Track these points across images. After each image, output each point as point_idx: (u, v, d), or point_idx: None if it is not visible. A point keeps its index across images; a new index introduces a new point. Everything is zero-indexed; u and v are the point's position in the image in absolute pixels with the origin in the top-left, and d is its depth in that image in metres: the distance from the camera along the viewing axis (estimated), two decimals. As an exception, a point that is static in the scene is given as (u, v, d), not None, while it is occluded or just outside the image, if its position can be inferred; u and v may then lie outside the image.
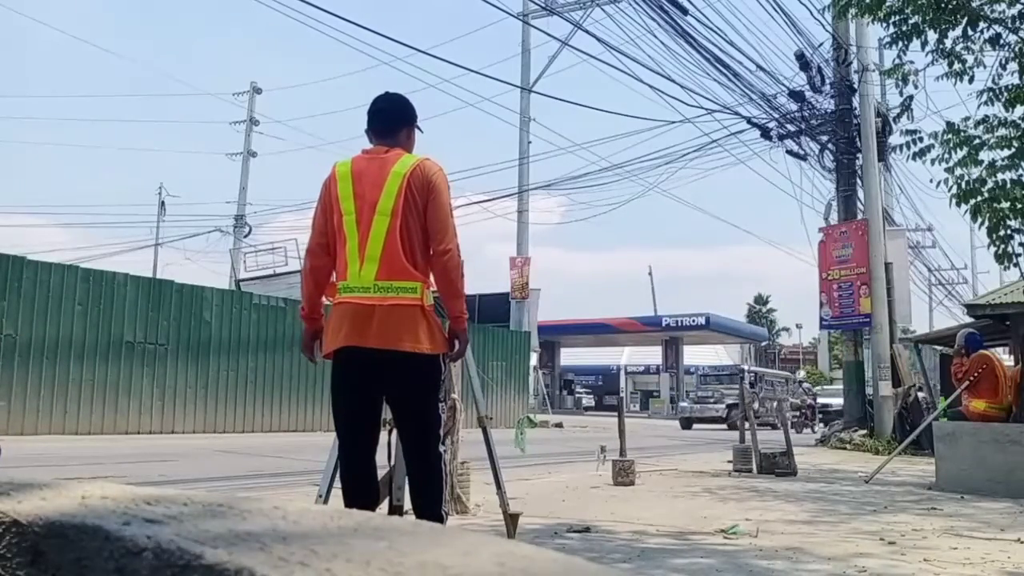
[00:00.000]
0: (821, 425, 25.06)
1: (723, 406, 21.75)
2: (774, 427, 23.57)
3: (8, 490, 0.73)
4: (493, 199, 22.51)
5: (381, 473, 3.16)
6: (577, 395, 38.51)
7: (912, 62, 6.15)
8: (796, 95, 12.83)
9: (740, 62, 12.52)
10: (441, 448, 2.78)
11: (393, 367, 2.65)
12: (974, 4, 5.78)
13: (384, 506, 3.33)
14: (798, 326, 55.92)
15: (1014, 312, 9.48)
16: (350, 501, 2.71)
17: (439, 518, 2.71)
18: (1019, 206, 5.78)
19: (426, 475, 2.73)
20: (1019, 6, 5.78)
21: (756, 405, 21.97)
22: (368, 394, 2.75)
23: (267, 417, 13.72)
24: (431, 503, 2.69)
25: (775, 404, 23.47)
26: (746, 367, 25.27)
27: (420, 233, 2.66)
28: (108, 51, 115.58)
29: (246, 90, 29.09)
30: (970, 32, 5.85)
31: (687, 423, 22.10)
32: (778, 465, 7.03)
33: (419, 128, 2.95)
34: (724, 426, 21.26)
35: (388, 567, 0.51)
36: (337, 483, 3.04)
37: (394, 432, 3.33)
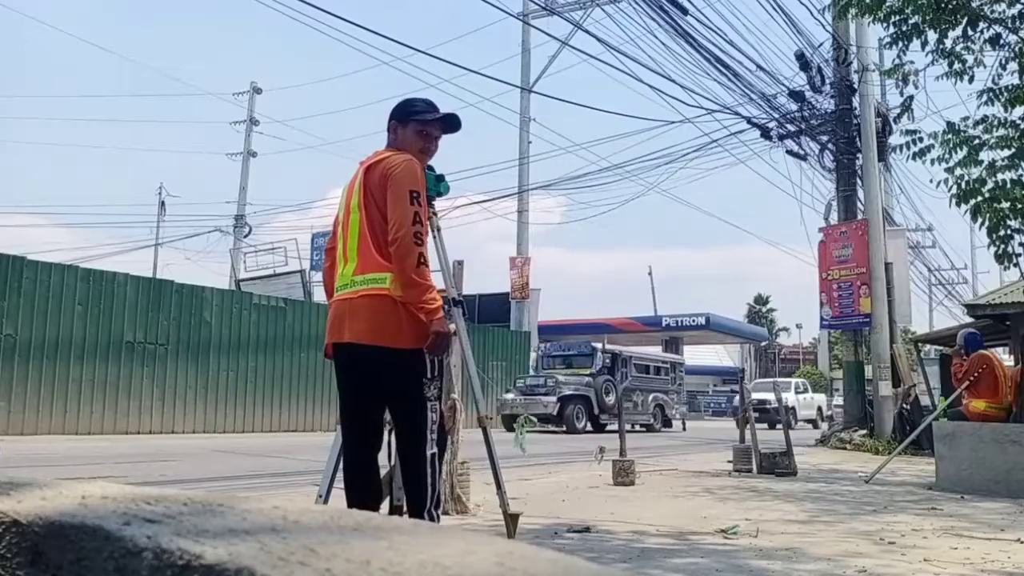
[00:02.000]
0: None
1: (554, 399, 15.49)
2: (649, 428, 18.33)
3: (8, 490, 0.73)
4: (493, 199, 22.53)
5: (384, 472, 3.16)
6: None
7: (912, 62, 6.16)
8: (796, 95, 12.83)
9: (740, 62, 12.52)
10: (430, 450, 2.65)
11: (368, 362, 2.63)
12: (974, 4, 5.79)
13: (384, 506, 3.33)
14: (798, 326, 55.94)
15: (1014, 312, 9.48)
16: (348, 499, 2.69)
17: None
18: (1019, 206, 5.78)
19: (412, 476, 2.66)
20: (1019, 6, 5.78)
21: (610, 399, 16.30)
22: (355, 390, 2.73)
23: (267, 417, 13.73)
24: (418, 506, 2.63)
25: (648, 398, 18.39)
26: (600, 345, 18.03)
27: (385, 224, 2.65)
28: (108, 51, 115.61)
29: (246, 90, 29.13)
30: (970, 32, 5.85)
31: (510, 422, 15.10)
32: (778, 465, 7.03)
33: (411, 120, 2.83)
34: (561, 428, 15.74)
35: (388, 567, 0.51)
36: (339, 482, 3.04)
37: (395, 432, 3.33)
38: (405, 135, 2.84)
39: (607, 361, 17.53)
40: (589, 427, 16.46)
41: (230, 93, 37.53)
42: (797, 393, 25.35)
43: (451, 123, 2.90)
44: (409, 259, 2.56)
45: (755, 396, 25.06)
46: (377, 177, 2.68)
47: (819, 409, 26.50)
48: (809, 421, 25.46)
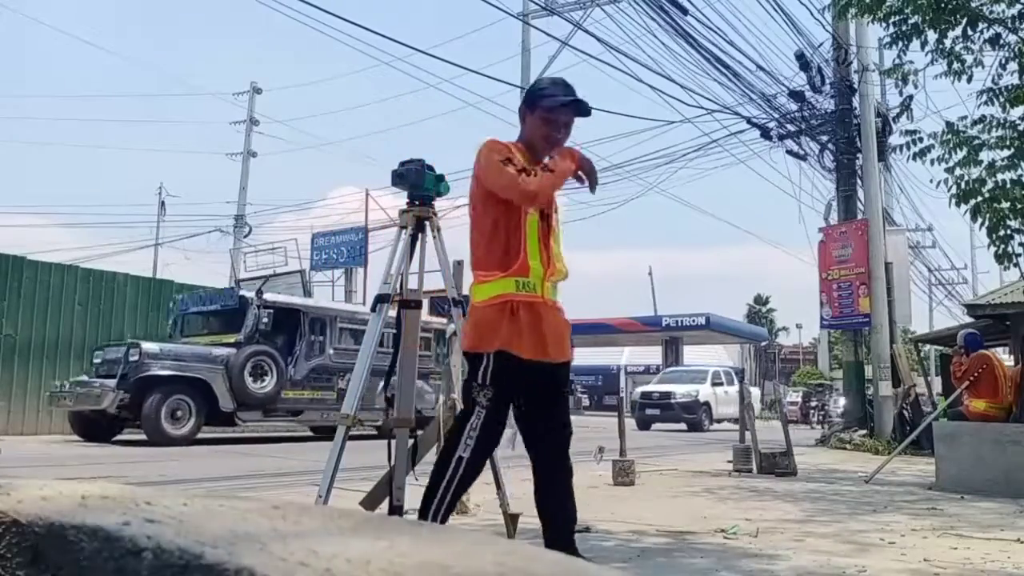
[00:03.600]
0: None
1: (112, 388, 9.23)
2: (379, 429, 9.42)
3: (8, 490, 0.73)
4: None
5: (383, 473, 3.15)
6: (578, 395, 38.44)
7: (911, 62, 6.16)
8: (796, 95, 12.83)
9: (740, 62, 12.52)
10: (461, 452, 2.55)
11: None
12: (973, 4, 5.79)
13: (384, 505, 3.33)
14: (798, 326, 55.95)
15: (1014, 312, 9.50)
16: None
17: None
18: (1019, 206, 5.79)
19: (434, 470, 2.62)
20: (1019, 6, 5.78)
21: (264, 384, 9.97)
22: None
23: (267, 417, 13.72)
24: (425, 502, 2.59)
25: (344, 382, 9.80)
26: (251, 295, 10.65)
27: (476, 223, 2.64)
28: (108, 51, 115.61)
29: (246, 90, 29.10)
30: (970, 32, 5.85)
31: (77, 421, 9.99)
32: (778, 465, 7.03)
33: (537, 107, 2.66)
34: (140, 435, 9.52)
35: (388, 567, 0.51)
36: (339, 481, 3.04)
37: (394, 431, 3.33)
38: (532, 123, 2.68)
39: (266, 321, 10.29)
40: (200, 432, 9.79)
41: (230, 93, 37.52)
42: (714, 385, 19.26)
43: (582, 109, 2.71)
44: (539, 197, 2.51)
45: (655, 388, 18.92)
46: (473, 172, 2.65)
47: (749, 406, 22.21)
48: (735, 420, 20.24)
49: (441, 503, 2.53)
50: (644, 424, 18.28)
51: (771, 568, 2.90)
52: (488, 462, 3.29)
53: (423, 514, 2.57)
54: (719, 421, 18.83)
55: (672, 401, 17.86)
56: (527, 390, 2.64)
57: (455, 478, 2.53)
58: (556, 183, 2.58)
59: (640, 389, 19.98)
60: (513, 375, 2.56)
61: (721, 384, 19.47)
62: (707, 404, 18.52)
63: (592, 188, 2.70)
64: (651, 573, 2.79)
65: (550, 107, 2.64)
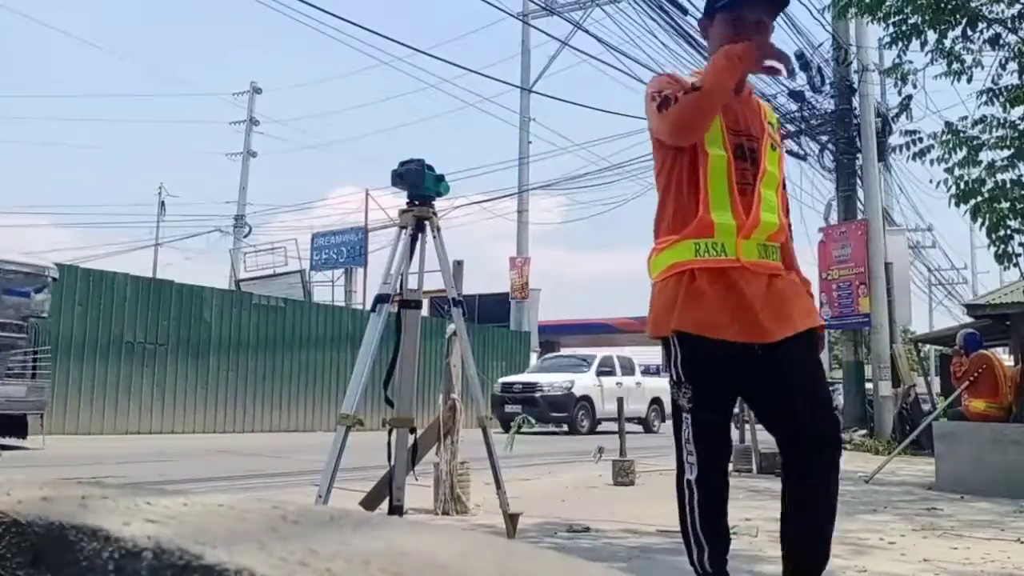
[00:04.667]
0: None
1: None
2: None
3: (8, 490, 0.73)
4: (493, 199, 22.53)
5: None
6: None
7: (911, 62, 6.17)
8: (796, 95, 12.84)
9: (740, 62, 12.51)
10: (686, 474, 2.04)
11: None
12: (973, 4, 5.79)
13: (384, 506, 3.33)
14: (798, 326, 55.84)
15: (1014, 312, 9.50)
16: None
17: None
18: (1019, 206, 5.79)
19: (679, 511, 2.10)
20: (1019, 6, 5.78)
21: None
22: None
23: (267, 417, 13.73)
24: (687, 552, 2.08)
25: None
26: None
27: (657, 184, 2.17)
28: (107, 51, 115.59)
29: (246, 90, 29.12)
30: (969, 32, 5.86)
31: None
32: (778, 465, 7.02)
33: (716, 11, 2.10)
34: None
35: (388, 567, 0.51)
36: (339, 482, 3.03)
37: (394, 432, 3.34)
38: (716, 35, 2.10)
39: None
40: None
41: (230, 93, 37.53)
42: (601, 375, 14.83)
43: None
44: (683, 127, 1.99)
45: (517, 379, 14.47)
46: None
47: (657, 402, 15.33)
48: (639, 421, 15.09)
49: (698, 538, 2.03)
50: (507, 424, 12.63)
51: (770, 569, 2.90)
52: (488, 461, 3.30)
53: (691, 557, 2.07)
54: (604, 420, 14.14)
55: (536, 395, 13.42)
56: (747, 383, 2.10)
57: (694, 507, 2.03)
58: (705, 99, 1.96)
59: (501, 380, 15.04)
60: (716, 363, 2.01)
61: (611, 374, 14.97)
62: (586, 399, 14.19)
63: (790, 73, 2.17)
64: (651, 573, 2.79)
65: (729, 4, 2.06)
